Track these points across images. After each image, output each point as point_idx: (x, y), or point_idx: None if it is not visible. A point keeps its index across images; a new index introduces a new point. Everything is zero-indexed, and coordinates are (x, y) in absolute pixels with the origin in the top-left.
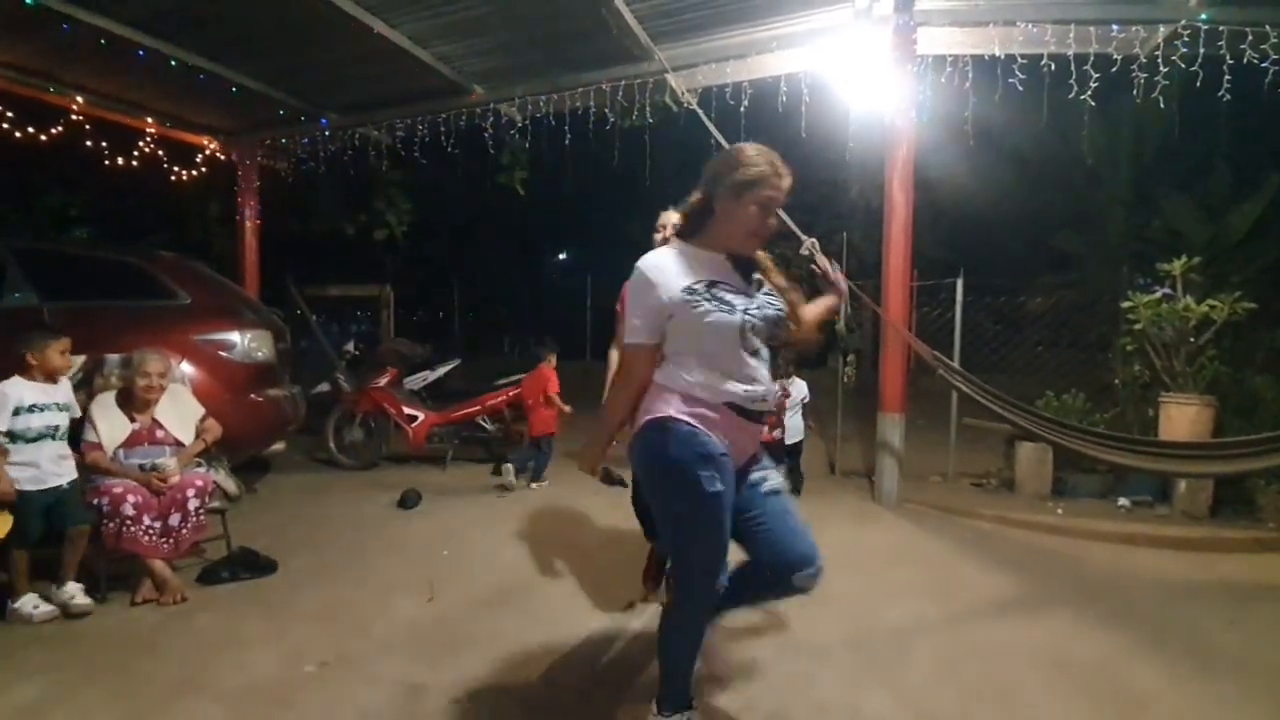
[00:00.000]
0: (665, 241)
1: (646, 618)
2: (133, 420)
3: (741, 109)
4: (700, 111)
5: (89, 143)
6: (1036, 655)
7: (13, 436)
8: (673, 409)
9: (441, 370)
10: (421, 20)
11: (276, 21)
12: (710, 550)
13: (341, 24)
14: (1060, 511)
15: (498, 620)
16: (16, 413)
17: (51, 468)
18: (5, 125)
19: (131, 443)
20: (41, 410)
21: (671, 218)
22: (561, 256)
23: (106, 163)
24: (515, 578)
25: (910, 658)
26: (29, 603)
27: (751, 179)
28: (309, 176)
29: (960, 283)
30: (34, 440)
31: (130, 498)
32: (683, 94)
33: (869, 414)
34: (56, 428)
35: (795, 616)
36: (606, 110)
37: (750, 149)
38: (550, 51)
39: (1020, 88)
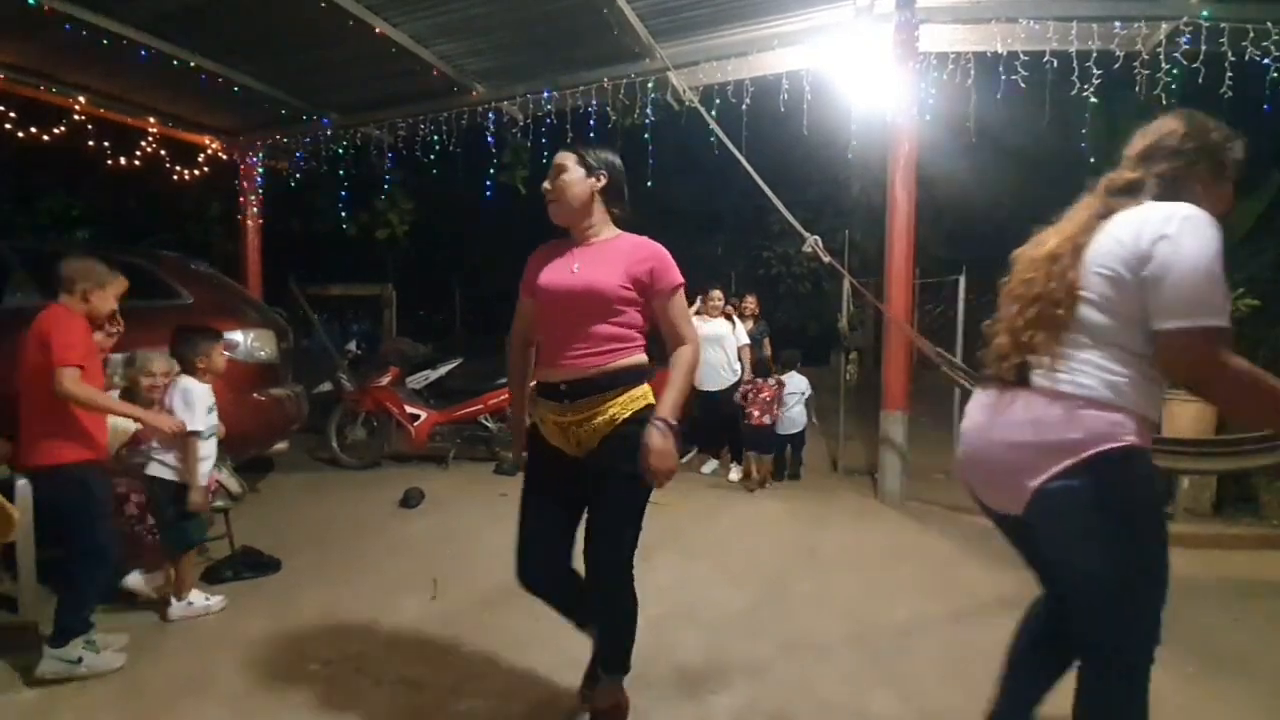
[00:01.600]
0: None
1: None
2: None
3: (743, 107)
4: (702, 109)
5: (91, 143)
6: None
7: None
8: (1135, 434)
9: (443, 369)
10: (423, 19)
11: (278, 21)
12: (1162, 603)
13: (343, 23)
14: None
15: (501, 619)
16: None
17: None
18: (7, 126)
19: (135, 442)
20: (212, 411)
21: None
22: None
23: (109, 163)
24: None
25: (914, 656)
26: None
27: (1238, 160)
28: (311, 176)
29: (963, 280)
30: (207, 439)
31: (134, 497)
32: (684, 92)
33: (871, 412)
34: (215, 427)
35: (797, 615)
36: (608, 109)
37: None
38: (551, 50)
39: (1023, 84)
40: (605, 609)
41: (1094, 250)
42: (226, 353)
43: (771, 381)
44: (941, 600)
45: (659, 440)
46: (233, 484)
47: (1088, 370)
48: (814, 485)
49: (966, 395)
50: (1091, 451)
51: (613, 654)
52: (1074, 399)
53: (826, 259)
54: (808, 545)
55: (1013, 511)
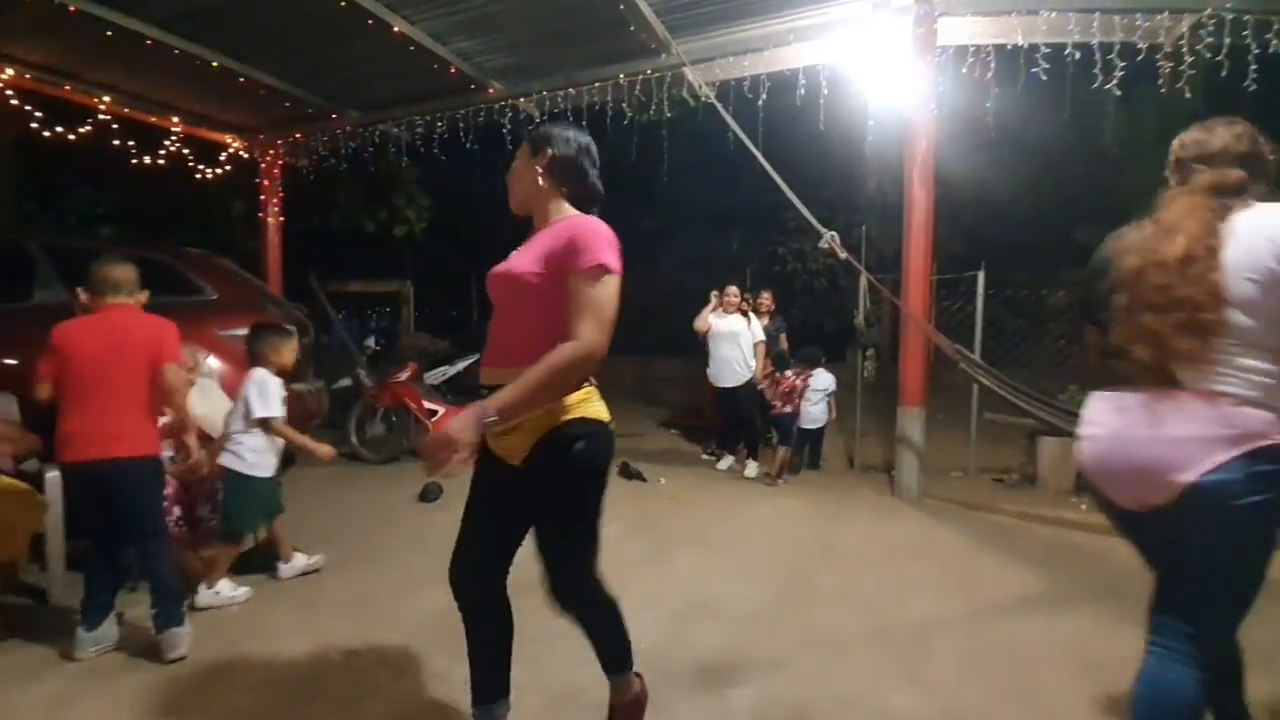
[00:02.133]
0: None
1: (669, 614)
2: (162, 414)
3: (759, 103)
4: (718, 105)
5: (115, 141)
6: (1062, 652)
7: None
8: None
9: (461, 365)
10: (440, 17)
11: (299, 20)
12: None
13: (361, 21)
14: (1084, 507)
15: (519, 612)
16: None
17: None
18: (34, 124)
19: (161, 436)
20: (283, 403)
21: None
22: None
23: (133, 161)
24: (536, 571)
25: (933, 653)
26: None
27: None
28: (330, 174)
29: (981, 276)
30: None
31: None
32: (700, 88)
33: (887, 409)
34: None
35: (816, 610)
36: (624, 105)
37: None
38: (567, 46)
39: (1044, 77)
40: (581, 618)
41: (1239, 251)
42: None
43: (789, 374)
44: (961, 597)
45: (445, 428)
46: None
47: (1239, 372)
48: (831, 482)
49: (985, 392)
50: (1250, 447)
51: (608, 656)
52: (1227, 398)
53: (843, 255)
54: (825, 541)
55: (1155, 504)
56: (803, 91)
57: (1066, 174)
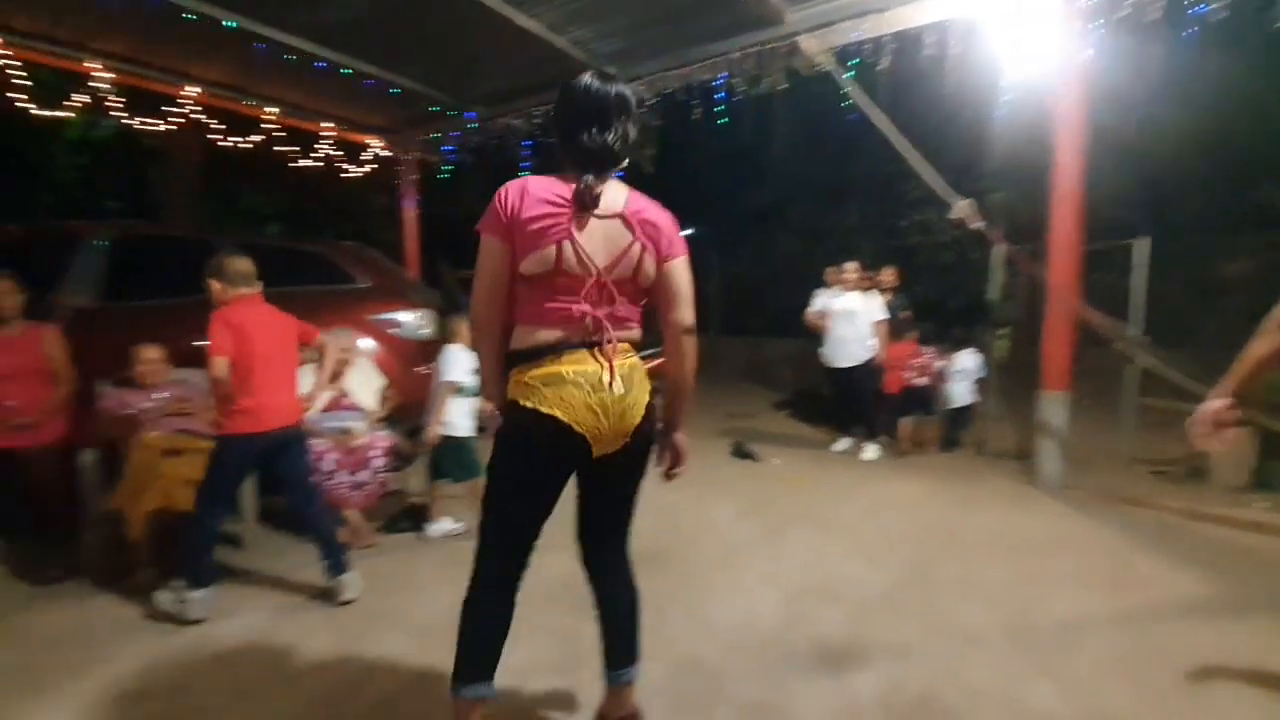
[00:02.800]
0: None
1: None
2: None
3: (878, 68)
4: (836, 74)
5: (277, 147)
6: (1232, 661)
7: (461, 390)
8: None
9: None
10: (557, 8)
11: (429, 23)
12: None
13: (487, 20)
14: (1264, 506)
15: (645, 580)
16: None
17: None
18: (211, 135)
19: (327, 409)
20: (473, 374)
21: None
22: (688, 231)
23: (292, 165)
24: (654, 544)
25: (1077, 650)
26: (441, 527)
27: None
28: (457, 167)
29: (1145, 245)
30: (470, 397)
31: (328, 456)
32: (816, 56)
33: (1021, 391)
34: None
35: (943, 599)
36: (735, 80)
37: None
38: (679, 24)
39: (1226, 13)
40: None
41: None
42: (395, 330)
43: (926, 350)
44: (1108, 595)
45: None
46: (405, 446)
47: None
48: (958, 467)
49: (1148, 376)
50: None
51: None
52: None
53: (977, 225)
54: (952, 528)
55: None
56: (928, 52)
57: (1241, 128)
